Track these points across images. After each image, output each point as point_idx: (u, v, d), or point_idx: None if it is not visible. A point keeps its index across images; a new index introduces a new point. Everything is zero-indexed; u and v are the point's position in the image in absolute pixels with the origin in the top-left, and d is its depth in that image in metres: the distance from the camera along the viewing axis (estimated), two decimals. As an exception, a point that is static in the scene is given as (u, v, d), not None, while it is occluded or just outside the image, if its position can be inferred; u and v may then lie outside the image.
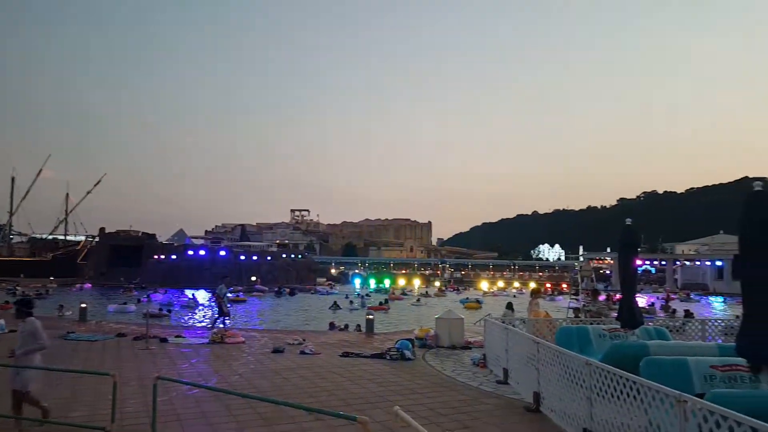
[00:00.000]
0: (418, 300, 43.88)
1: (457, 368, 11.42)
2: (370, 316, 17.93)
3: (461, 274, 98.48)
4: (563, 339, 10.58)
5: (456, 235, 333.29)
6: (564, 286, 64.73)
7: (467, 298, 45.25)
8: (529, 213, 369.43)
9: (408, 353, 12.42)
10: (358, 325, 19.95)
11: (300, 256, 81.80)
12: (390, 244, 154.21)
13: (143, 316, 22.43)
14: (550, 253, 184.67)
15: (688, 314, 21.96)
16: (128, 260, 67.20)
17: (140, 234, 77.78)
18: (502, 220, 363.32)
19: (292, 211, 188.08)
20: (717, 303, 48.89)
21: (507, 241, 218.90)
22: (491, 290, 63.11)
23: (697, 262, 67.72)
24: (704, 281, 67.13)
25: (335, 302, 37.23)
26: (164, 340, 14.99)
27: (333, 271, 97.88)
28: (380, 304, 37.99)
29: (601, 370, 5.96)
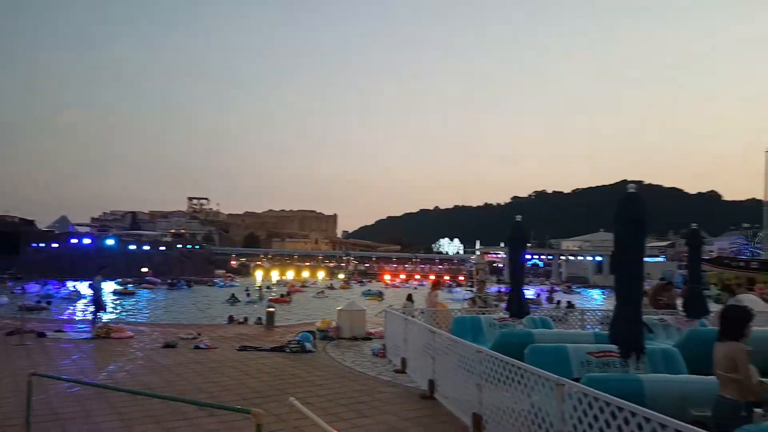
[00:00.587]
0: (322, 292, 43.78)
1: (358, 359, 11.56)
2: (271, 309, 17.65)
3: (365, 267, 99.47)
4: (458, 328, 11.05)
5: (361, 228, 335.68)
6: (461, 278, 67.41)
7: (370, 291, 45.80)
8: (432, 208, 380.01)
9: (309, 345, 12.38)
10: (259, 318, 19.54)
11: (197, 247, 78.58)
12: (294, 236, 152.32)
13: (18, 309, 20.57)
14: (450, 246, 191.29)
15: (570, 305, 23.78)
16: (2, 248, 61.20)
17: (17, 220, 70.96)
18: (406, 214, 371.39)
19: (190, 199, 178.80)
20: (596, 295, 53.17)
21: (410, 234, 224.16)
22: (393, 282, 64.34)
23: (580, 257, 73.26)
24: (585, 275, 72.72)
25: (233, 294, 36.20)
26: (42, 335, 13.84)
27: (233, 263, 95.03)
28: (282, 296, 37.47)
29: (490, 358, 6.28)
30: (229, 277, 66.11)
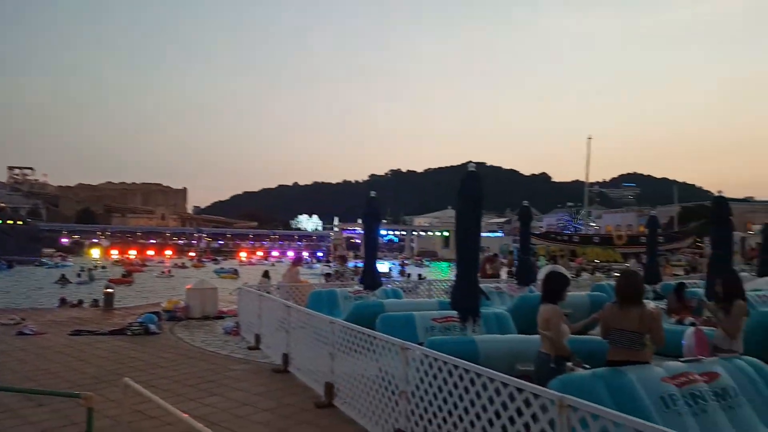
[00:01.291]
0: (168, 271, 41.23)
1: (208, 338, 11.18)
2: (110, 290, 16.30)
3: (220, 244, 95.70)
4: (314, 302, 11.17)
5: (215, 203, 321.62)
6: (320, 254, 67.82)
7: (223, 269, 44.25)
8: (290, 184, 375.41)
9: (153, 327, 11.68)
10: (96, 300, 17.95)
11: (20, 223, 69.71)
12: (137, 211, 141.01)
13: None
14: (309, 223, 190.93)
15: (420, 277, 25.30)
16: None
17: None
18: (264, 189, 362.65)
19: (11, 168, 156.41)
20: (443, 267, 56.69)
21: (268, 210, 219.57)
22: (250, 260, 62.84)
23: (430, 233, 77.58)
24: (434, 249, 77.25)
25: (63, 275, 32.77)
26: None
27: (65, 240, 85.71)
28: (123, 276, 34.75)
29: (342, 328, 6.45)
30: (61, 256, 59.56)
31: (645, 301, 4.70)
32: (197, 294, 14.04)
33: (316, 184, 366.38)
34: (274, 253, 76.52)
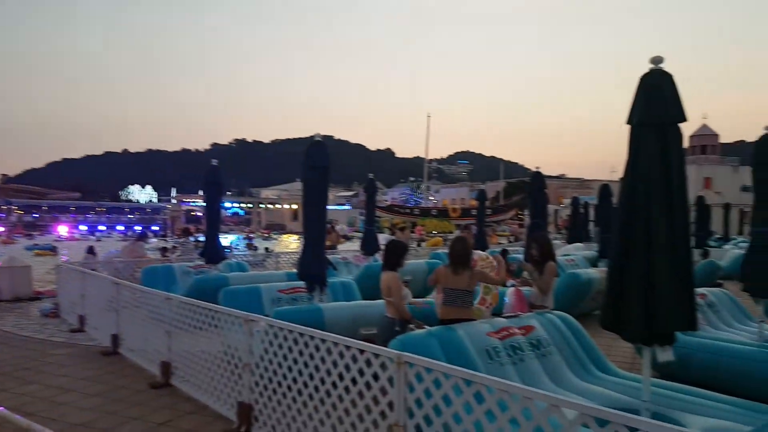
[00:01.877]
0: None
1: (21, 322, 9.91)
2: None
3: (35, 217, 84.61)
4: (149, 279, 10.45)
5: (28, 171, 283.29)
6: (155, 228, 63.30)
7: (37, 245, 39.31)
8: (120, 151, 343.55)
9: (-50, 312, 10.05)
10: None
11: None
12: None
13: None
14: (142, 194, 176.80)
15: (267, 250, 24.94)
16: None
17: None
18: (88, 156, 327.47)
19: None
20: (292, 240, 56.25)
21: (93, 180, 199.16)
22: (72, 234, 56.51)
23: (278, 206, 76.48)
24: (283, 222, 76.36)
25: None
26: None
27: None
28: None
29: (180, 303, 6.13)
30: None
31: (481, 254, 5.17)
32: (6, 273, 12.33)
33: (150, 151, 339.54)
34: (101, 227, 69.79)
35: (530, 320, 4.62)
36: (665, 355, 2.99)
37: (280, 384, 4.36)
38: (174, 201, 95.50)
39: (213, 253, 10.33)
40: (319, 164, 6.99)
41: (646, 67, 3.25)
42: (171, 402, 5.66)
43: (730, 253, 18.26)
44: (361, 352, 3.50)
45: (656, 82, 3.09)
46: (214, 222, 10.58)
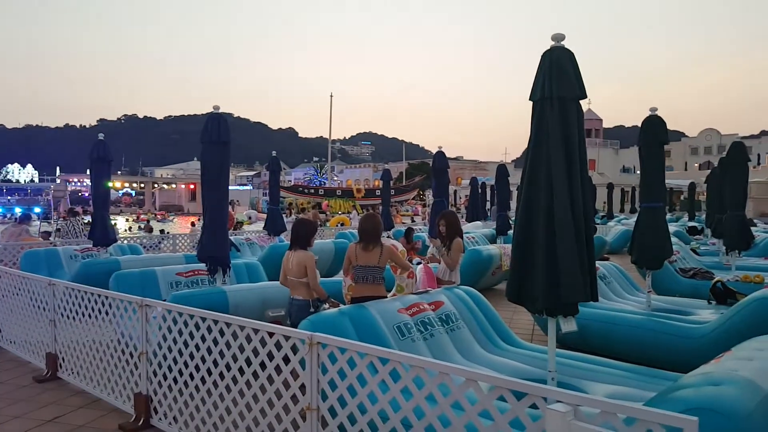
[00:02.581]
0: None
1: None
2: None
3: None
4: (30, 264, 9.53)
5: None
6: (37, 210, 57.99)
7: None
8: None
9: None
10: None
11: None
12: None
13: None
14: (22, 174, 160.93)
15: (162, 232, 23.67)
16: None
17: None
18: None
19: None
20: (186, 221, 53.62)
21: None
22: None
23: (174, 185, 72.67)
24: (180, 203, 72.77)
25: None
26: None
27: None
28: None
29: (66, 289, 5.61)
30: None
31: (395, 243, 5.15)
32: None
33: (29, 127, 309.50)
34: (-29, 210, 62.79)
35: (439, 296, 4.68)
36: (569, 325, 3.13)
37: (181, 373, 4.11)
38: (58, 181, 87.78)
39: (102, 234, 9.54)
40: (219, 139, 6.60)
41: (547, 44, 3.32)
42: (59, 396, 5.18)
43: (615, 229, 19.87)
44: (270, 334, 3.35)
45: (558, 58, 3.17)
46: (102, 201, 9.77)
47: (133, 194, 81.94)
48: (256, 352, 3.45)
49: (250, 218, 43.97)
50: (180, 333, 4.23)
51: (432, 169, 11.02)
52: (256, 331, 3.47)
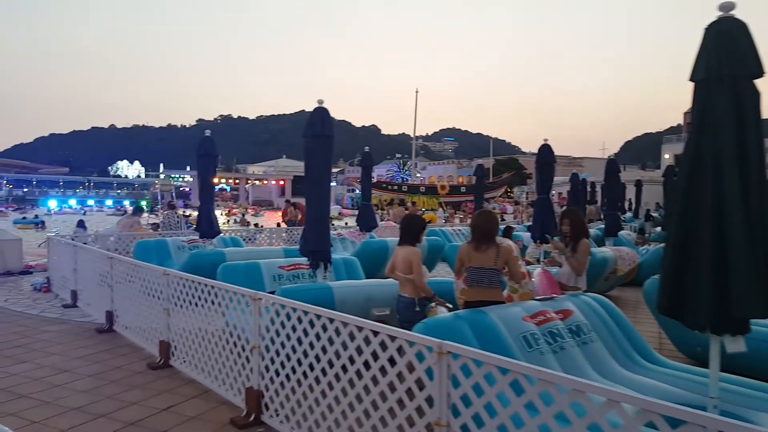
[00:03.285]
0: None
1: (13, 297, 9.52)
2: None
3: (24, 192, 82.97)
4: (141, 253, 10.08)
5: (16, 146, 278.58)
6: (143, 203, 62.38)
7: (25, 218, 38.49)
8: (106, 126, 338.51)
9: (-68, 287, 9.61)
10: None
11: None
12: None
13: None
14: (130, 170, 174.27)
15: (256, 225, 24.77)
16: None
17: None
18: (75, 132, 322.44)
19: None
20: (273, 216, 55.32)
21: (81, 155, 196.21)
22: (62, 208, 55.45)
23: (265, 182, 75.52)
24: (271, 198, 75.55)
25: None
26: None
27: None
28: None
29: (179, 279, 5.77)
30: None
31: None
32: (-4, 247, 11.87)
33: (136, 127, 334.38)
34: (90, 202, 68.69)
35: (566, 303, 4.24)
36: (736, 345, 2.69)
37: (294, 370, 4.04)
38: (162, 176, 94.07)
39: (207, 227, 9.90)
40: (322, 133, 6.56)
41: (713, 15, 2.88)
42: (172, 385, 5.33)
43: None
44: (392, 338, 3.16)
45: (727, 30, 2.73)
46: (207, 195, 10.14)
47: (228, 190, 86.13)
48: (375, 356, 3.28)
49: (340, 213, 44.88)
50: (293, 329, 4.16)
51: (536, 164, 10.45)
52: (375, 333, 3.30)
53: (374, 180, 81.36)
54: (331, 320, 3.67)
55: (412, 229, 5.17)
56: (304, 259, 7.82)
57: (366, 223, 12.82)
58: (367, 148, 13.14)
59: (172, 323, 5.87)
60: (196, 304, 5.46)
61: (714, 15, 2.88)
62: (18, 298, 9.38)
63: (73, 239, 10.60)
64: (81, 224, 18.94)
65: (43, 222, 36.30)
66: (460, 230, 17.03)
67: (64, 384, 5.27)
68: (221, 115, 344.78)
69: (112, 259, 7.31)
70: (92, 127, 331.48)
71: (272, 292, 5.31)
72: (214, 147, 10.00)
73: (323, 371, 3.74)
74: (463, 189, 59.72)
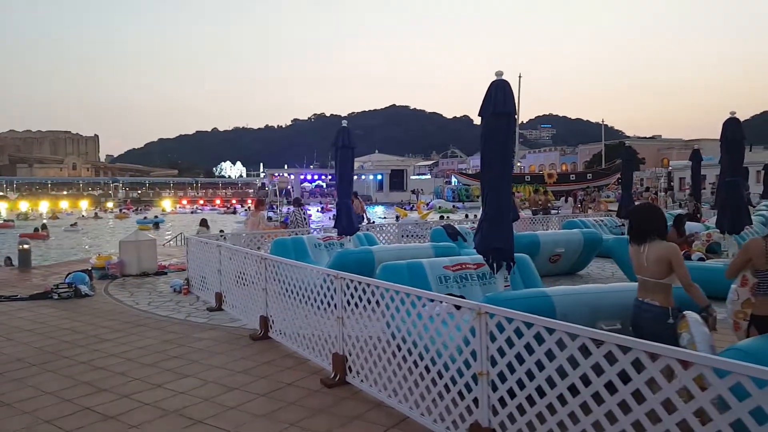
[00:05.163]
0: (75, 224, 37.28)
1: (155, 299, 9.39)
2: (26, 246, 13.80)
3: (139, 194, 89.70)
4: (279, 251, 9.59)
5: (129, 151, 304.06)
6: (249, 201, 64.87)
7: (146, 218, 41.01)
8: (209, 130, 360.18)
9: (85, 288, 9.71)
10: (8, 258, 15.48)
11: None
12: (46, 161, 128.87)
13: None
14: (232, 170, 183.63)
15: (369, 221, 24.09)
16: None
17: None
18: (181, 136, 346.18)
19: None
20: (378, 210, 55.27)
21: (187, 157, 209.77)
22: (175, 209, 58.96)
23: (362, 177, 75.95)
24: (369, 193, 76.00)
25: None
26: None
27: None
28: (36, 230, 31.21)
29: (351, 282, 5.01)
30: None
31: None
32: (132, 247, 12.01)
33: (236, 129, 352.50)
34: (201, 202, 72.67)
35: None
36: None
37: (531, 401, 3.09)
38: (263, 175, 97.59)
39: (347, 223, 9.25)
40: (504, 110, 5.58)
41: None
42: (358, 409, 4.54)
43: None
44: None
45: None
46: (346, 189, 9.50)
47: (325, 187, 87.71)
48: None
49: (454, 206, 44.23)
50: (528, 349, 3.23)
51: (722, 141, 8.84)
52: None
53: (469, 171, 79.53)
54: (599, 342, 2.67)
55: (657, 221, 4.04)
56: (467, 258, 6.94)
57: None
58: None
59: (346, 334, 5.13)
60: (367, 308, 4.71)
61: None
62: (161, 301, 9.22)
63: (210, 238, 10.39)
64: (204, 223, 19.35)
65: (158, 222, 38.25)
66: (601, 221, 15.32)
67: (238, 406, 4.65)
68: (315, 114, 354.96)
69: (265, 260, 6.74)
70: (197, 131, 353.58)
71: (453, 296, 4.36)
72: (351, 138, 9.33)
73: (572, 416, 2.72)
74: (572, 177, 56.52)
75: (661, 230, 3.94)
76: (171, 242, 22.43)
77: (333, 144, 9.41)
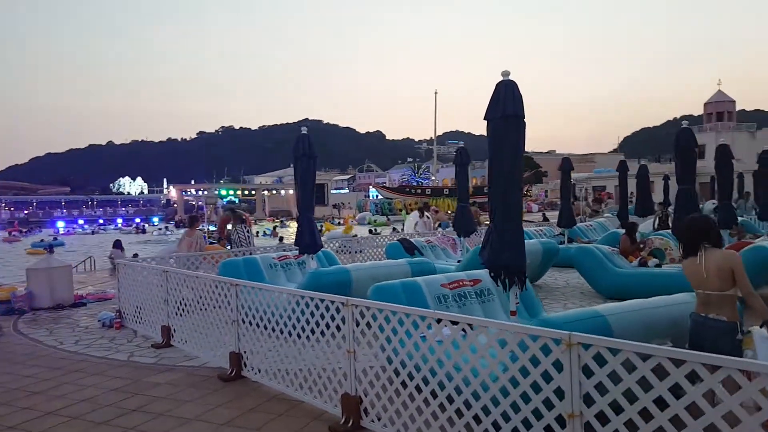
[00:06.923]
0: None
1: (82, 337, 7.97)
2: None
3: (25, 214, 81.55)
4: (230, 274, 8.50)
5: (11, 167, 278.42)
6: (155, 219, 60.94)
7: (43, 241, 36.96)
8: (104, 143, 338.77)
9: (-11, 327, 8.09)
10: None
11: None
12: None
13: None
14: (132, 186, 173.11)
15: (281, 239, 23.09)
16: None
17: None
18: (72, 150, 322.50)
19: None
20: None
21: (79, 173, 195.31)
22: (70, 230, 53.91)
23: (282, 192, 73.67)
24: (289, 207, 73.94)
25: None
26: None
27: None
28: None
29: (367, 310, 4.28)
30: None
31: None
32: (43, 275, 10.31)
33: (135, 143, 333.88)
34: (101, 221, 67.28)
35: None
36: None
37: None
38: (165, 191, 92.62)
39: (311, 241, 8.36)
40: (514, 112, 5.10)
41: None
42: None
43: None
44: None
45: None
46: (309, 202, 8.62)
47: (237, 201, 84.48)
48: None
49: (388, 219, 44.15)
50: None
51: (675, 149, 8.96)
52: None
53: (386, 185, 79.98)
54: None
55: (709, 230, 3.74)
56: (464, 275, 6.37)
57: (465, 226, 11.27)
58: (462, 143, 11.78)
59: (360, 368, 4.35)
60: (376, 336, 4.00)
61: None
62: (90, 339, 7.83)
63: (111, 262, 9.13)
64: (118, 245, 17.44)
65: (54, 246, 34.53)
66: (540, 230, 15.48)
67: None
68: (222, 127, 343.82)
69: (236, 287, 5.78)
70: (89, 145, 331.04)
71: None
72: (312, 146, 8.48)
73: None
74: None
75: (715, 240, 3.67)
76: (77, 267, 20.11)
77: (293, 153, 8.51)
